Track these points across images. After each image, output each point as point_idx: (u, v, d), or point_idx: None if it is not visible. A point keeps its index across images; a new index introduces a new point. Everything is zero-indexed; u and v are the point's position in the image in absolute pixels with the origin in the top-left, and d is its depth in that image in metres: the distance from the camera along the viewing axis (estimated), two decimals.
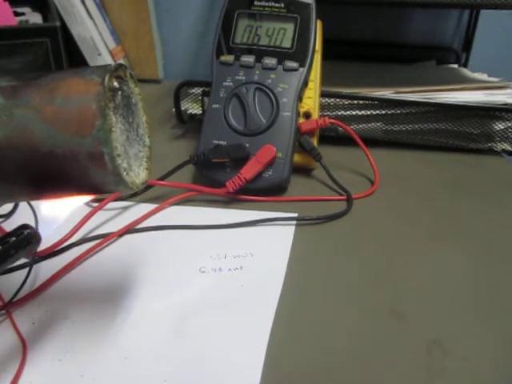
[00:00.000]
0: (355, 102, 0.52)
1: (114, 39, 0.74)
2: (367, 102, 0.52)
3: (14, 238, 0.23)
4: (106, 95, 0.21)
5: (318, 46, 0.48)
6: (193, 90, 0.55)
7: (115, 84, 0.22)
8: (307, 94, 0.47)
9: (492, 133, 0.52)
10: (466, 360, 0.27)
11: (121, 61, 0.74)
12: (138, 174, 0.24)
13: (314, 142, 0.47)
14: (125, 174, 0.22)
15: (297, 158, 0.46)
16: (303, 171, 0.48)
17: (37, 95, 0.21)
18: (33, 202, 0.37)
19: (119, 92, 0.23)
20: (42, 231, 0.27)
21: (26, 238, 0.23)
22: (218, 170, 0.43)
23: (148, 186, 0.43)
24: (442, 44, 0.77)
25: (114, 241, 0.37)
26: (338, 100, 0.53)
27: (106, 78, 0.21)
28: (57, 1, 0.64)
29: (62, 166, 0.22)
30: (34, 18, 0.61)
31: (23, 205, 0.38)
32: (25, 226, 0.24)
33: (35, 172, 0.22)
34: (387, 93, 0.53)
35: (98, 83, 0.21)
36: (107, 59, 0.70)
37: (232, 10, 0.46)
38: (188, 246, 0.37)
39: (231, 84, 0.45)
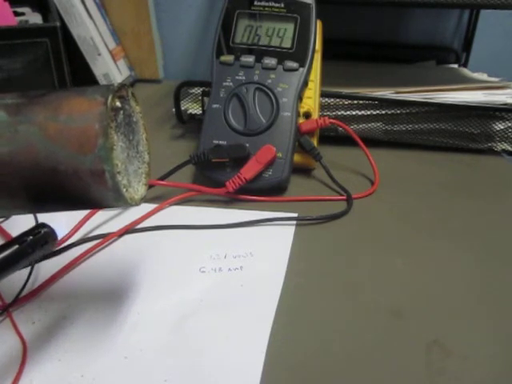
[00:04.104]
0: (355, 102, 0.52)
1: (114, 39, 0.74)
2: (367, 101, 0.52)
3: (30, 237, 0.23)
4: (109, 115, 0.21)
5: (318, 46, 0.48)
6: (193, 90, 0.55)
7: (117, 104, 0.23)
8: (307, 94, 0.47)
9: (492, 133, 0.52)
10: (466, 359, 0.27)
11: (121, 61, 0.74)
12: (137, 190, 0.25)
13: (314, 142, 0.47)
14: (124, 190, 0.23)
15: (297, 158, 0.46)
16: (303, 171, 0.48)
17: (40, 113, 0.22)
18: None
19: (121, 111, 0.23)
20: None
21: (43, 237, 0.23)
22: (218, 169, 0.43)
23: (148, 186, 0.43)
24: (442, 44, 0.76)
25: (113, 241, 0.37)
26: (338, 100, 0.52)
27: (109, 98, 0.22)
28: (57, 1, 0.63)
29: (64, 182, 0.22)
30: (34, 18, 0.61)
31: None
32: (42, 225, 0.24)
33: (37, 187, 0.22)
34: (387, 93, 0.53)
35: (101, 103, 0.21)
36: (107, 59, 0.70)
37: (232, 10, 0.46)
38: (188, 246, 0.37)
39: (231, 84, 0.45)
